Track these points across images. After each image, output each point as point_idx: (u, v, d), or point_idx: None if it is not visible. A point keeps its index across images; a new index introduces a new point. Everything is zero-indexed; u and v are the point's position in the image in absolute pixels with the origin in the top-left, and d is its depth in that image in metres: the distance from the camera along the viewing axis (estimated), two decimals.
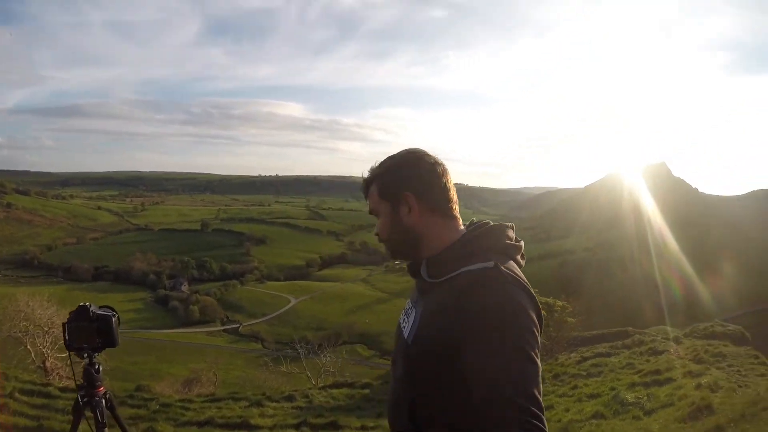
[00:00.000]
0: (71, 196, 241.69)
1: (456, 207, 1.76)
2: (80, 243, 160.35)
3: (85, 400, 3.23)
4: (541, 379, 1.44)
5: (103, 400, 3.27)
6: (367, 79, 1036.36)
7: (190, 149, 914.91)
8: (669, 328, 25.20)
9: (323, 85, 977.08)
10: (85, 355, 3.20)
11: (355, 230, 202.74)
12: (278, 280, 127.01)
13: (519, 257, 1.68)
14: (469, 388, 1.42)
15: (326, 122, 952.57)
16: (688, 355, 18.26)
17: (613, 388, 11.83)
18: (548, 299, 25.74)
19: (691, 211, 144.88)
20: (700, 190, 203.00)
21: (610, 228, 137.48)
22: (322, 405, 16.08)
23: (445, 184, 1.73)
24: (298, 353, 32.99)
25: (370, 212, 1.82)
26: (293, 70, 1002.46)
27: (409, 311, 1.75)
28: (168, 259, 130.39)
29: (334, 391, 18.34)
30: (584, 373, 15.15)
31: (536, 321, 1.52)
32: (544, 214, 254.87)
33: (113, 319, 3.21)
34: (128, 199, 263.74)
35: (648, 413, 9.74)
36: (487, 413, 1.38)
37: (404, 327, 1.73)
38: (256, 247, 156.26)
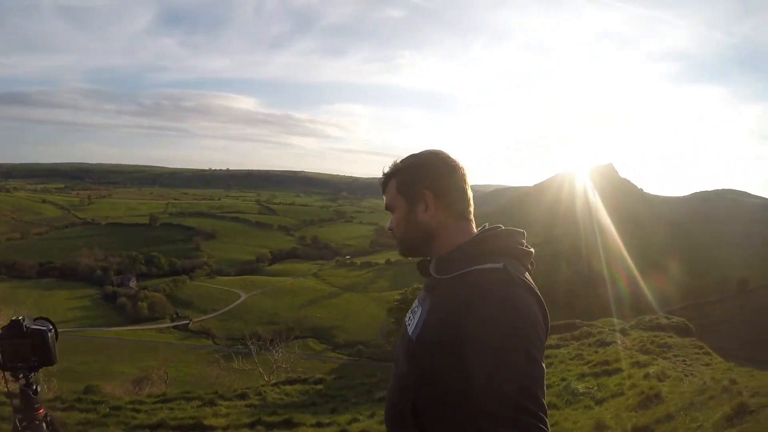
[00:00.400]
0: (15, 189, 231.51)
1: (471, 210, 1.78)
2: (24, 238, 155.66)
3: (24, 424, 3.04)
4: (545, 382, 1.46)
5: (44, 423, 3.08)
6: (321, 75, 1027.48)
7: (140, 141, 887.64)
8: (616, 321, 25.83)
9: (278, 79, 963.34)
10: (21, 375, 3.01)
11: (306, 225, 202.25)
12: (228, 275, 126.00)
13: (528, 263, 1.68)
14: (471, 386, 1.42)
15: (279, 117, 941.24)
16: (635, 346, 18.76)
17: (563, 379, 12.08)
18: None
19: (637, 211, 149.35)
20: (645, 190, 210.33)
21: (558, 225, 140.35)
22: (275, 402, 15.98)
23: (463, 187, 1.75)
24: (250, 349, 32.76)
25: (386, 208, 1.83)
26: (248, 63, 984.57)
27: (416, 309, 1.76)
28: (115, 255, 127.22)
29: (288, 387, 18.24)
30: None
31: (543, 324, 1.53)
32: (495, 211, 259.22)
33: (49, 334, 2.94)
34: (74, 192, 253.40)
35: (599, 402, 9.99)
36: (489, 414, 1.38)
37: (409, 325, 1.74)
38: (205, 242, 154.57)
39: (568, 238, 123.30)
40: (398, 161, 1.81)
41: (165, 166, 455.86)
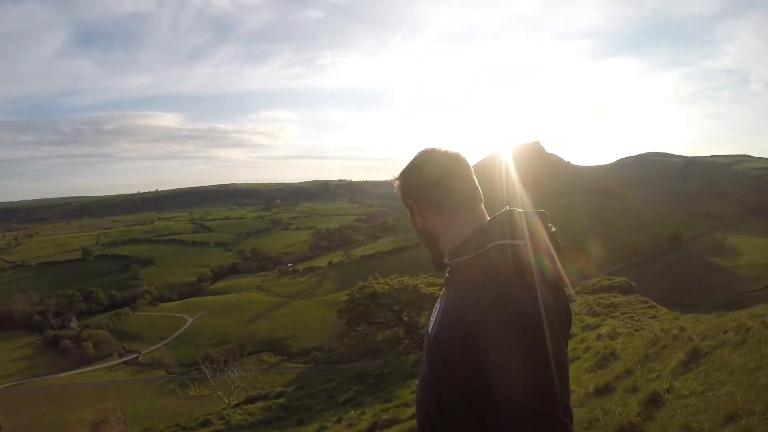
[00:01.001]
0: None
1: (472, 200, 1.75)
2: None
3: None
4: (567, 377, 1.42)
5: None
6: (244, 83, 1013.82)
7: (63, 172, 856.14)
8: None
9: (199, 92, 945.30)
10: None
11: (243, 238, 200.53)
12: (171, 300, 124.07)
13: (550, 243, 1.62)
14: (487, 390, 1.41)
15: (204, 130, 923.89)
16: (583, 310, 19.36)
17: None
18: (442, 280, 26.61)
19: (565, 182, 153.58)
20: (573, 163, 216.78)
21: (487, 206, 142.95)
22: (240, 424, 15.89)
23: (452, 184, 1.73)
24: (205, 374, 32.28)
25: None
26: (167, 78, 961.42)
27: (436, 307, 1.76)
28: (51, 296, 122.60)
29: (250, 406, 18.20)
30: None
31: (561, 313, 1.49)
32: None
33: None
34: (0, 235, 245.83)
35: None
36: (509, 417, 1.35)
37: (430, 324, 1.74)
38: (143, 269, 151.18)
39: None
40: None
41: (92, 194, 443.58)
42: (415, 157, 1.83)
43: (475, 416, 1.51)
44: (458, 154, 1.79)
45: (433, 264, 1.82)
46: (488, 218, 1.72)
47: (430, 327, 1.71)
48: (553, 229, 1.67)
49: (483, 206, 1.77)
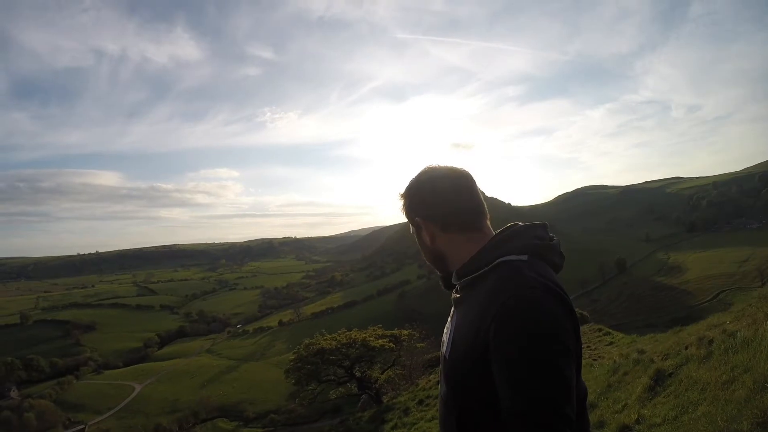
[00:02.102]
0: None
1: (478, 216, 1.75)
2: None
3: None
4: (574, 392, 1.43)
5: None
6: (183, 141, 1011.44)
7: None
8: None
9: (138, 150, 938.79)
10: None
11: (189, 300, 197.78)
12: (117, 367, 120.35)
13: (554, 257, 1.67)
14: (498, 405, 1.44)
15: (144, 189, 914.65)
16: None
17: None
18: (393, 331, 26.56)
19: (505, 222, 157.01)
20: (512, 204, 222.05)
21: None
22: None
23: (458, 200, 1.73)
24: None
25: None
26: (106, 135, 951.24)
27: (448, 327, 1.75)
28: None
29: None
30: None
31: (570, 329, 1.49)
32: (375, 253, 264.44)
33: None
34: None
35: None
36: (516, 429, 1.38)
37: (443, 343, 1.73)
38: (85, 335, 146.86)
39: None
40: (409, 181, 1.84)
41: (29, 255, 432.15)
42: (420, 173, 1.81)
43: (491, 430, 1.52)
44: (464, 171, 1.79)
45: (442, 284, 1.81)
46: (493, 234, 1.74)
47: (444, 347, 1.70)
48: (555, 238, 1.72)
49: (489, 222, 1.78)
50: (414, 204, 1.77)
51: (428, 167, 1.79)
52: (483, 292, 1.56)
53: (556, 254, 1.68)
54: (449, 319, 1.76)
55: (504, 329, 1.43)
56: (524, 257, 1.58)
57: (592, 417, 6.68)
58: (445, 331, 1.77)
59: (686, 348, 7.72)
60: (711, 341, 7.14)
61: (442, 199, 1.73)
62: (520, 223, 1.73)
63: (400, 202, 1.82)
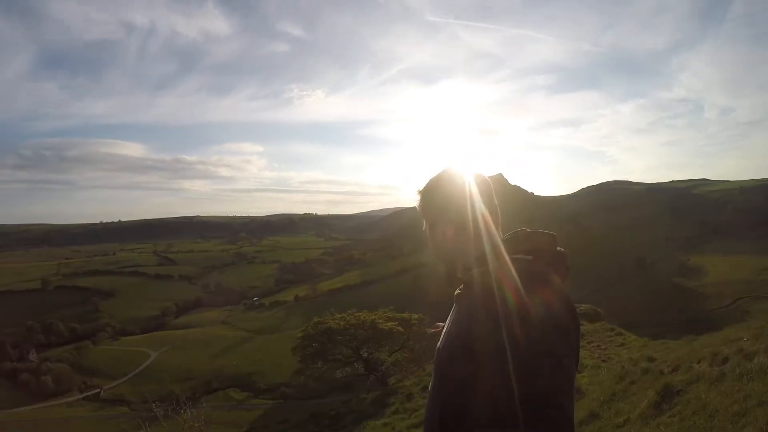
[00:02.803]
0: None
1: (492, 219, 1.78)
2: None
3: None
4: (574, 386, 1.43)
5: None
6: (209, 115, 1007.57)
7: (23, 198, 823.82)
8: None
9: (164, 122, 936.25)
10: None
11: (208, 271, 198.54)
12: (134, 334, 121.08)
13: (559, 267, 1.68)
14: (492, 396, 1.43)
15: (169, 161, 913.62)
16: None
17: None
18: (403, 314, 26.33)
19: (530, 213, 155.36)
20: (536, 194, 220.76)
21: None
22: None
23: (475, 201, 1.77)
24: (167, 411, 30.98)
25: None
26: (133, 106, 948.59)
27: (447, 322, 1.79)
28: (9, 327, 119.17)
29: None
30: None
31: (571, 325, 1.51)
32: (394, 234, 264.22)
33: None
34: None
35: None
36: (513, 423, 1.37)
37: (439, 339, 1.77)
38: (105, 302, 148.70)
39: None
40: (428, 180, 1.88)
41: (53, 222, 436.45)
42: (440, 173, 1.85)
43: (477, 426, 1.51)
44: (482, 175, 1.83)
45: (447, 280, 1.84)
46: (502, 238, 1.78)
47: (440, 341, 1.74)
48: (562, 250, 1.75)
49: (500, 230, 1.80)
50: (432, 202, 1.80)
51: (448, 168, 1.84)
52: (486, 287, 1.59)
53: (562, 265, 1.69)
54: (450, 315, 1.80)
55: (508, 324, 1.44)
56: (530, 257, 1.63)
57: (593, 428, 6.48)
58: (444, 326, 1.79)
59: (698, 363, 7.44)
60: (725, 359, 6.84)
61: (463, 202, 1.75)
62: (527, 229, 1.78)
63: (418, 198, 1.85)
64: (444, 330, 1.74)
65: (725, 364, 6.55)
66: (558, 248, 1.73)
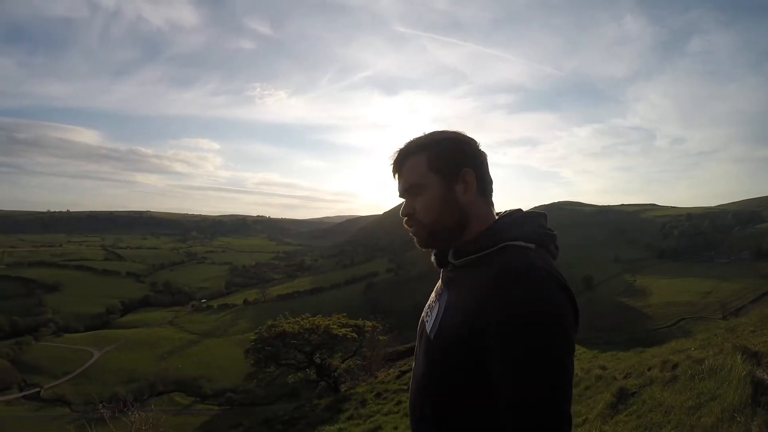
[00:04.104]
0: None
1: (492, 191, 1.63)
2: None
3: None
4: (572, 387, 1.37)
5: None
6: (168, 107, 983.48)
7: None
8: None
9: (122, 110, 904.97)
10: None
11: (157, 270, 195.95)
12: (78, 331, 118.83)
13: (553, 248, 1.55)
14: (493, 392, 1.35)
15: (123, 152, 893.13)
16: None
17: None
18: (357, 321, 26.65)
19: None
20: None
21: (408, 250, 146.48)
22: None
23: (487, 165, 1.62)
24: (114, 413, 30.52)
25: (405, 191, 1.61)
26: (90, 90, 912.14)
27: (433, 305, 1.60)
28: None
29: None
30: (405, 387, 15.24)
31: (573, 322, 1.41)
32: (346, 242, 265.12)
33: None
34: None
35: None
36: (513, 427, 1.30)
37: (427, 322, 1.59)
38: (49, 295, 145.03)
39: (419, 261, 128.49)
40: (416, 138, 1.62)
41: None
42: (448, 130, 1.62)
43: (474, 421, 1.42)
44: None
45: (435, 260, 1.62)
46: (499, 216, 1.61)
47: (428, 327, 1.56)
48: (554, 232, 1.60)
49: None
50: (465, 153, 1.57)
51: (458, 131, 1.61)
52: (486, 276, 1.41)
53: (555, 245, 1.56)
54: (435, 297, 1.62)
55: (511, 321, 1.32)
56: (532, 246, 1.46)
57: None
58: (427, 309, 1.64)
59: (649, 369, 7.79)
60: (676, 365, 7.18)
61: (481, 158, 1.60)
62: (522, 209, 1.62)
63: (435, 145, 1.57)
64: (433, 316, 1.56)
65: (676, 369, 6.95)
66: (551, 230, 1.58)
